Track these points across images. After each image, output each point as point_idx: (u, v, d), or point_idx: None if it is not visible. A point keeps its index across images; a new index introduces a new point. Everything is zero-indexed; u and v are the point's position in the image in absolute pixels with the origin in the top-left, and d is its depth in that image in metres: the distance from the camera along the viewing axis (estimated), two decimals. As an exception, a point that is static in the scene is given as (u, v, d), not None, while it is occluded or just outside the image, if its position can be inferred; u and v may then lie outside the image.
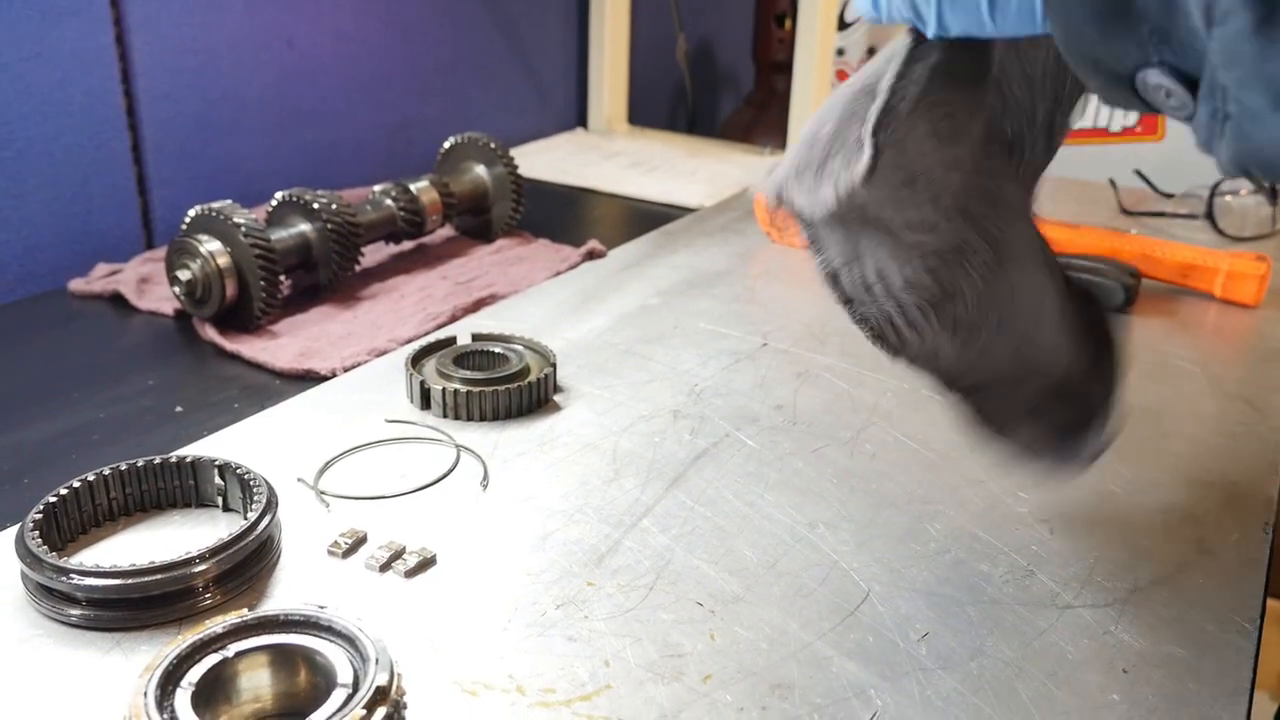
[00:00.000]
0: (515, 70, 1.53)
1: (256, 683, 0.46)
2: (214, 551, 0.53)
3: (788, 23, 1.71)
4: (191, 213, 0.87)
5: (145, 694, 0.42)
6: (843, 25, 1.67)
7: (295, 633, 0.46)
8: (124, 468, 0.60)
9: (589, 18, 1.56)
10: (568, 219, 1.25)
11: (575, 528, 0.62)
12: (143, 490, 0.61)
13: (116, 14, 1.00)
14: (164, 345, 0.88)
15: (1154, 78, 0.38)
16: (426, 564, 0.58)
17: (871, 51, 1.68)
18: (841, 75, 1.69)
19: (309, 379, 0.81)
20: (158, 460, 0.61)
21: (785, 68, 1.53)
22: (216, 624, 0.45)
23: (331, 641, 0.46)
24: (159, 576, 0.52)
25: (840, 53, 1.69)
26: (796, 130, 1.50)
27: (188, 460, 0.61)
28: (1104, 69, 0.40)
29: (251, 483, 0.59)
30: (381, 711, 0.43)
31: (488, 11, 1.45)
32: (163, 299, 0.93)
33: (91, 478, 0.59)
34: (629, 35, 1.59)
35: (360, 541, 0.59)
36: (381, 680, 0.44)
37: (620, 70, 1.60)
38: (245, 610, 0.47)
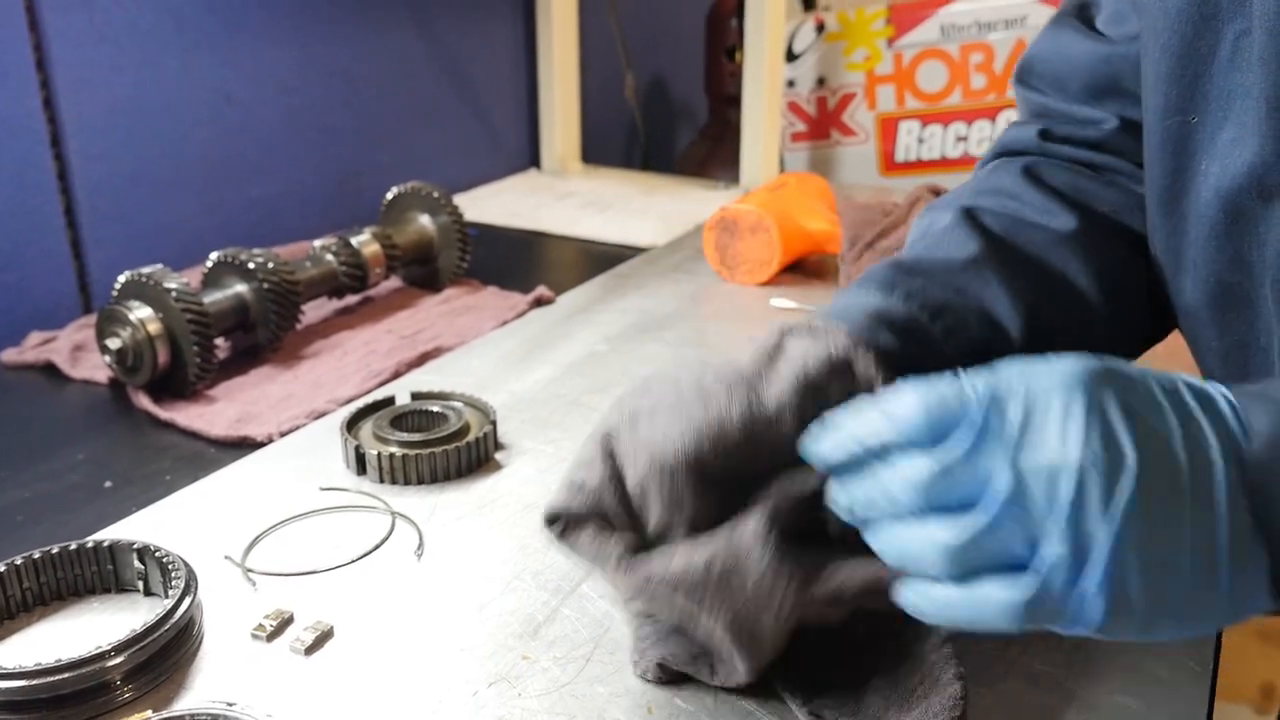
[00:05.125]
0: (465, 113, 1.52)
1: (164, 788, 0.44)
2: (128, 644, 0.51)
3: (738, 55, 1.71)
4: (121, 278, 0.85)
5: (39, 811, 0.40)
6: (791, 57, 1.67)
7: (202, 734, 0.44)
8: (37, 556, 0.58)
9: (537, 58, 1.56)
10: (519, 264, 1.24)
11: (512, 596, 0.60)
12: (58, 578, 0.59)
13: (44, 76, 0.99)
14: (97, 415, 0.85)
15: None
16: (355, 645, 0.56)
17: (821, 81, 1.68)
18: (793, 106, 1.69)
19: (245, 445, 0.79)
20: (73, 546, 0.59)
21: (738, 100, 1.52)
22: (117, 730, 0.43)
23: (240, 742, 0.44)
24: (68, 675, 0.50)
25: (790, 84, 1.68)
26: (748, 162, 1.49)
27: (105, 545, 0.59)
28: None
29: (170, 566, 0.57)
30: (292, 817, 0.41)
31: (434, 56, 1.44)
32: (96, 367, 0.91)
33: (2, 569, 0.57)
34: (579, 74, 1.58)
35: (286, 622, 0.57)
36: (292, 782, 0.41)
37: (571, 109, 1.59)
38: (149, 712, 0.44)
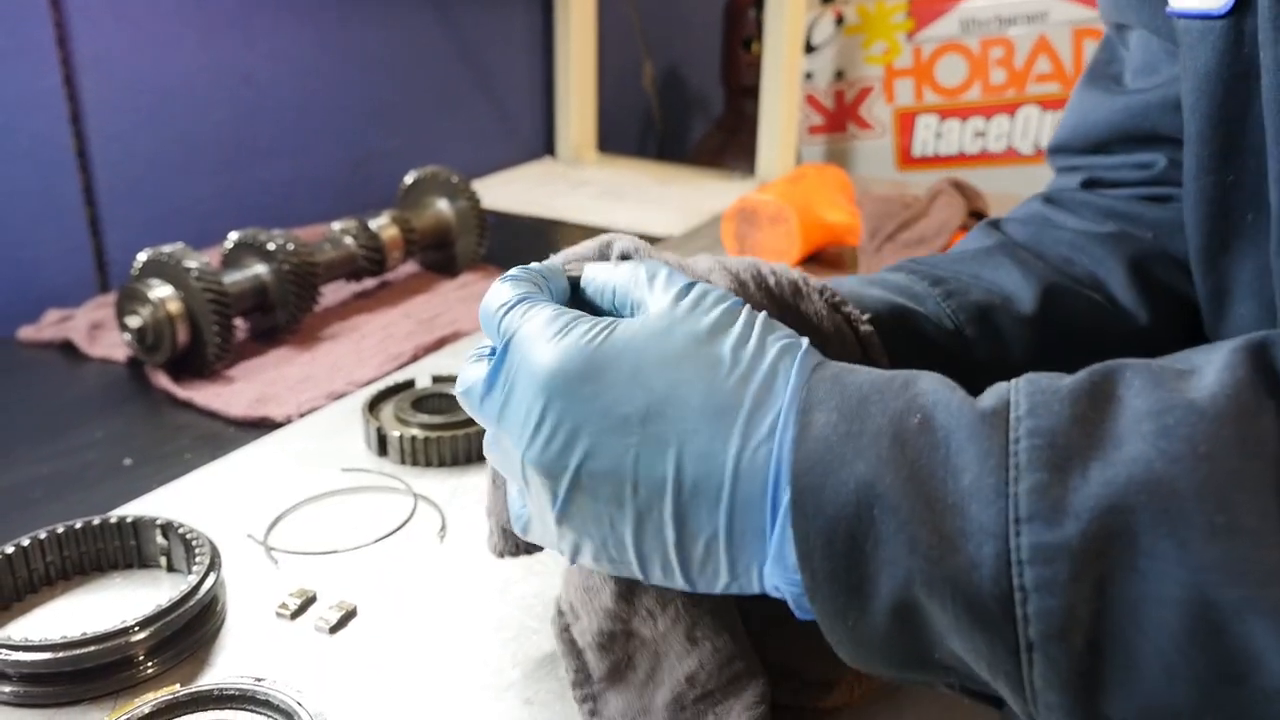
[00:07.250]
0: (481, 100, 1.52)
1: (191, 763, 0.44)
2: (151, 619, 0.51)
3: (755, 46, 1.70)
4: (141, 257, 0.85)
5: (68, 782, 0.40)
6: (809, 49, 1.67)
7: (230, 708, 0.44)
8: (61, 530, 0.57)
9: (554, 45, 1.55)
10: (535, 251, 1.22)
11: (535, 579, 0.60)
12: (81, 553, 0.58)
13: (64, 54, 0.98)
14: (115, 394, 0.85)
15: (947, 689, 0.38)
16: (379, 625, 0.56)
17: (840, 74, 1.68)
18: (810, 99, 1.68)
19: (264, 426, 0.79)
20: (97, 521, 0.58)
21: (754, 91, 1.52)
22: (145, 703, 0.43)
23: (268, 717, 0.43)
24: (93, 648, 0.49)
25: (808, 76, 1.68)
26: (765, 154, 1.49)
27: (128, 520, 0.59)
28: (890, 673, 0.38)
29: (194, 543, 0.57)
30: (321, 793, 0.40)
31: (451, 42, 1.44)
32: (114, 345, 0.90)
33: (26, 542, 0.56)
34: (596, 62, 1.58)
35: (310, 601, 0.57)
36: (322, 758, 0.41)
37: (588, 98, 1.58)
38: (178, 686, 0.44)
